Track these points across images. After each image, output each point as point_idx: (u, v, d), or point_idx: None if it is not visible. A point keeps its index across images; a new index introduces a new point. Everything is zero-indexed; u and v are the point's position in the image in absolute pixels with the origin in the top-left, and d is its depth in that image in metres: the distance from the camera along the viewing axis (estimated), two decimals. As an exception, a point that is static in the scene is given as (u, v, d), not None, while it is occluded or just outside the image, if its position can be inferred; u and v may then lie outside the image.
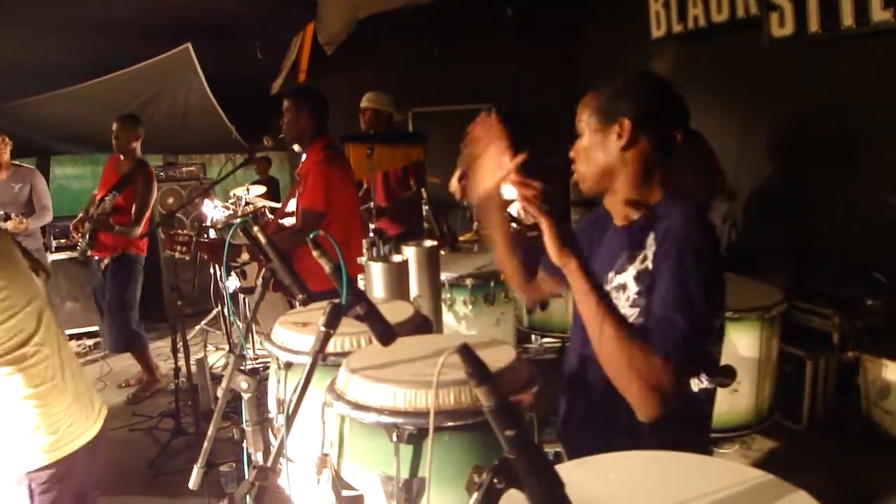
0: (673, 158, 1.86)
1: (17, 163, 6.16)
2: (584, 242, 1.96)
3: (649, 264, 1.78)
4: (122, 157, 5.47)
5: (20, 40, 6.10)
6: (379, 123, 5.17)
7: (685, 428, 1.79)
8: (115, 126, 5.40)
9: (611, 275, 1.88)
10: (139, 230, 5.26)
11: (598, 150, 1.89)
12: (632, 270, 1.82)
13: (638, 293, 1.79)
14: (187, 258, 3.56)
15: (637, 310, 1.78)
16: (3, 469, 2.04)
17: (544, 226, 1.66)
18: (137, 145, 5.46)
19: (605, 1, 7.07)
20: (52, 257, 7.14)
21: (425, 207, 4.28)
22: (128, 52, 6.70)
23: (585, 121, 1.91)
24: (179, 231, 3.65)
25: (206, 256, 3.97)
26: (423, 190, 4.10)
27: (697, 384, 1.80)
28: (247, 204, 5.57)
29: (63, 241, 7.19)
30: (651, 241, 1.80)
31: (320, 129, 3.86)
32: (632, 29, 6.31)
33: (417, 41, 7.70)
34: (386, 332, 1.70)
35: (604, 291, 1.68)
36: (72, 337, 7.26)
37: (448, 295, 3.64)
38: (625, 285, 1.83)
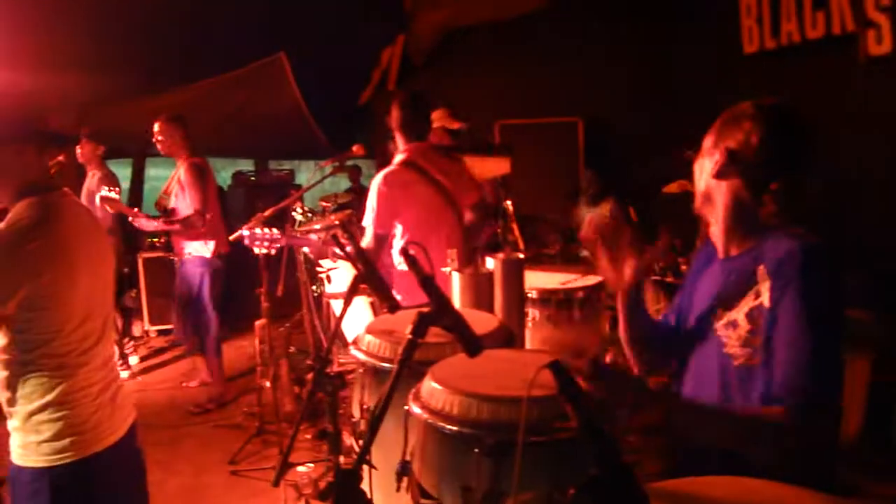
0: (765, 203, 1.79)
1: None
2: (692, 277, 1.93)
3: (764, 301, 1.70)
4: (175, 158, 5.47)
5: (119, 44, 6.37)
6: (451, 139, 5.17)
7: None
8: (156, 127, 5.34)
9: (719, 311, 1.81)
10: (199, 228, 5.30)
11: (702, 170, 1.85)
12: (743, 307, 1.75)
13: (750, 331, 1.72)
14: (273, 252, 3.63)
15: (749, 349, 1.71)
16: (26, 464, 2.08)
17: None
18: (184, 144, 5.41)
19: (695, 16, 6.95)
20: (142, 256, 7.47)
21: (510, 220, 4.27)
22: (223, 59, 6.94)
23: (709, 136, 1.87)
24: (266, 228, 3.73)
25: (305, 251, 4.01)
26: (509, 202, 4.08)
27: None
28: (338, 208, 5.64)
29: (153, 240, 7.49)
30: (762, 275, 1.72)
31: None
32: (723, 44, 6.17)
33: (505, 54, 7.72)
34: (472, 343, 1.70)
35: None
36: (158, 333, 7.58)
37: (530, 309, 3.61)
38: (735, 322, 1.76)
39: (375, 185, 3.76)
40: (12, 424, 2.08)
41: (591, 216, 2.08)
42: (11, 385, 2.04)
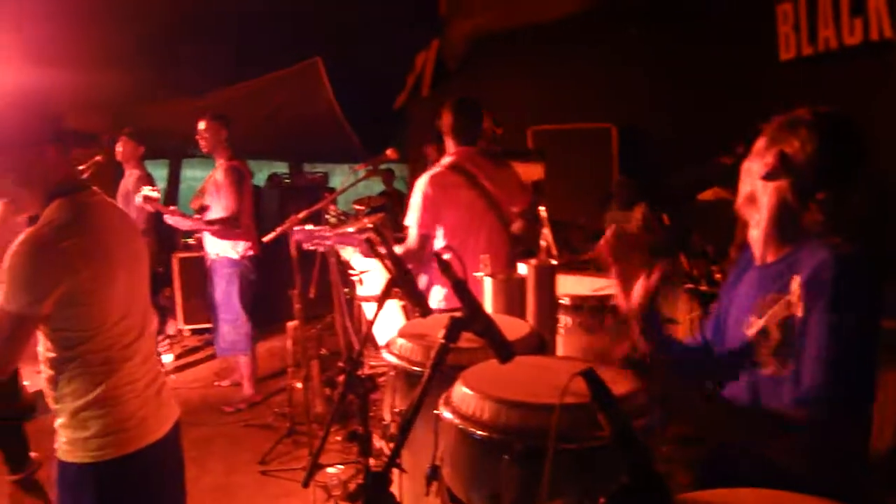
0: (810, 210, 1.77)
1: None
2: (730, 286, 1.92)
3: (796, 311, 1.69)
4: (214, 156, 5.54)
5: (158, 45, 6.47)
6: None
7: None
8: (201, 125, 5.42)
9: (752, 318, 1.80)
10: (235, 229, 5.37)
11: (750, 172, 1.84)
12: (776, 316, 1.73)
13: (781, 341, 1.70)
14: (321, 249, 3.67)
15: (780, 359, 1.70)
16: (72, 459, 2.10)
17: None
18: (226, 145, 5.49)
19: (731, 22, 6.88)
20: (177, 255, 7.59)
21: (543, 226, 4.26)
22: (260, 63, 7.02)
23: (762, 138, 1.85)
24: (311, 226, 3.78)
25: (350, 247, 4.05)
26: (542, 208, 4.07)
27: None
28: (372, 211, 5.66)
29: (187, 240, 7.59)
30: (796, 286, 1.70)
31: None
32: (759, 51, 6.12)
33: (539, 59, 7.71)
34: (504, 349, 1.70)
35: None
36: (192, 332, 7.68)
37: (562, 315, 3.60)
38: (766, 331, 1.75)
39: (420, 185, 3.80)
40: (58, 421, 2.11)
41: (611, 229, 2.06)
42: (57, 383, 2.07)
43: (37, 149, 2.06)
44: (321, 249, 3.89)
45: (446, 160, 3.94)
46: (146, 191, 5.39)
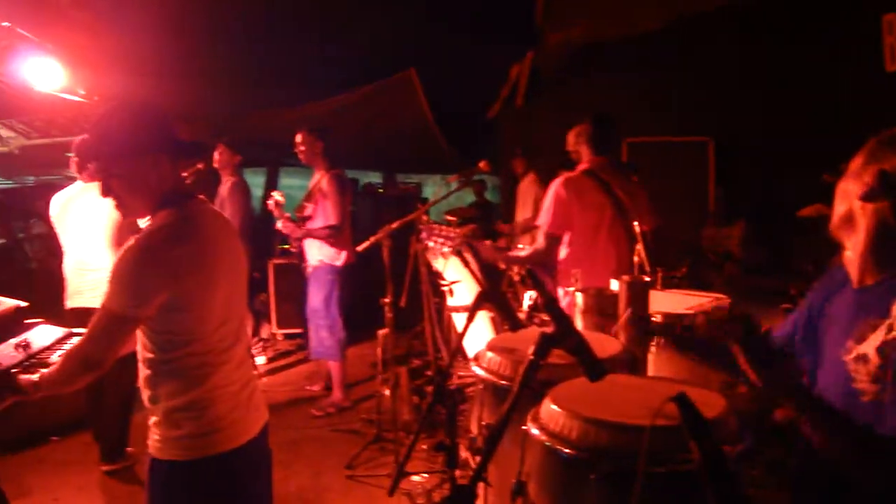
0: None
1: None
2: (817, 304, 1.85)
3: None
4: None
5: (258, 58, 6.68)
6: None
7: None
8: (298, 137, 5.57)
9: (849, 343, 1.73)
10: (338, 238, 5.48)
11: (846, 192, 1.76)
12: (873, 340, 1.66)
13: (881, 366, 1.63)
14: (450, 250, 3.71)
15: (879, 385, 1.62)
16: (164, 457, 2.15)
17: None
18: (324, 156, 5.61)
19: (833, 34, 6.62)
20: (273, 261, 7.81)
21: (636, 241, 4.20)
22: (356, 75, 7.17)
23: (859, 157, 1.79)
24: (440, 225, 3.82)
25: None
26: (635, 223, 4.01)
27: None
28: (463, 223, 5.68)
29: (283, 246, 7.80)
30: None
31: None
32: (863, 63, 5.87)
33: (634, 70, 7.60)
34: (595, 368, 1.68)
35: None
36: (285, 336, 7.88)
37: (652, 334, 3.53)
38: (866, 357, 1.67)
39: (554, 187, 3.85)
40: (152, 419, 2.19)
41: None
42: (154, 383, 2.15)
43: (151, 157, 2.12)
44: (435, 265, 3.94)
45: (581, 167, 3.99)
46: (277, 196, 5.59)
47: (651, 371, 2.84)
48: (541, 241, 3.83)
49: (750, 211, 6.60)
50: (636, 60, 7.39)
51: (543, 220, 3.83)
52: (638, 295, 2.85)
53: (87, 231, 4.40)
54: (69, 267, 4.50)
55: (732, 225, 6.61)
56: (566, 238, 3.83)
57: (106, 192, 2.15)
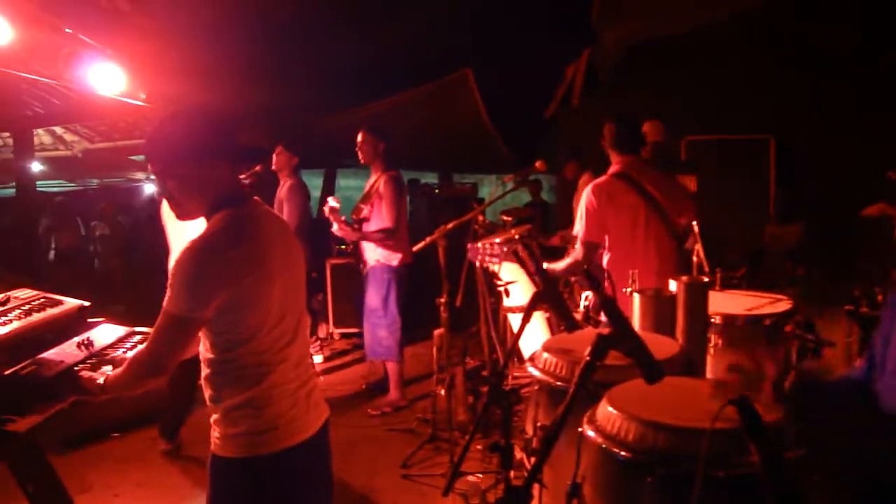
0: None
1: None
2: (891, 314, 1.81)
3: None
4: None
5: (314, 62, 6.74)
6: (655, 154, 5.11)
7: None
8: (359, 137, 5.60)
9: None
10: (393, 239, 5.52)
11: None
12: None
13: None
14: (497, 265, 3.74)
15: None
16: (224, 454, 2.18)
17: None
18: (383, 156, 5.63)
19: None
20: (330, 262, 7.90)
21: (695, 241, 4.14)
22: (412, 76, 7.19)
23: None
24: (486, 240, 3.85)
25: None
26: (694, 223, 3.95)
27: None
28: (519, 223, 5.67)
29: (340, 247, 7.89)
30: None
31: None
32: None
33: (693, 67, 7.48)
34: (652, 370, 1.66)
35: None
36: (342, 336, 7.96)
37: (713, 335, 3.48)
38: None
39: (585, 195, 3.86)
40: (213, 417, 2.23)
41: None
42: (214, 382, 2.19)
43: (209, 162, 2.16)
44: (492, 267, 3.95)
45: (611, 169, 3.97)
46: (332, 202, 5.66)
47: (710, 374, 2.79)
48: (579, 251, 3.85)
49: (811, 209, 6.46)
50: (694, 57, 7.28)
51: (579, 228, 3.84)
52: (696, 296, 2.81)
53: (189, 232, 4.49)
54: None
55: (794, 223, 6.47)
56: (606, 243, 3.83)
57: (162, 193, 2.20)
